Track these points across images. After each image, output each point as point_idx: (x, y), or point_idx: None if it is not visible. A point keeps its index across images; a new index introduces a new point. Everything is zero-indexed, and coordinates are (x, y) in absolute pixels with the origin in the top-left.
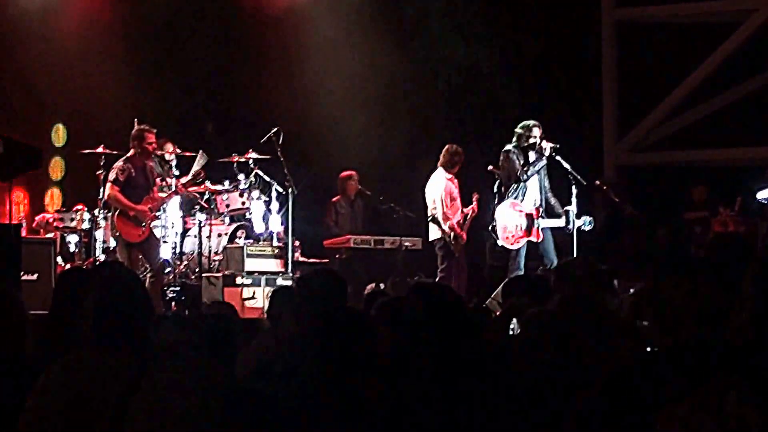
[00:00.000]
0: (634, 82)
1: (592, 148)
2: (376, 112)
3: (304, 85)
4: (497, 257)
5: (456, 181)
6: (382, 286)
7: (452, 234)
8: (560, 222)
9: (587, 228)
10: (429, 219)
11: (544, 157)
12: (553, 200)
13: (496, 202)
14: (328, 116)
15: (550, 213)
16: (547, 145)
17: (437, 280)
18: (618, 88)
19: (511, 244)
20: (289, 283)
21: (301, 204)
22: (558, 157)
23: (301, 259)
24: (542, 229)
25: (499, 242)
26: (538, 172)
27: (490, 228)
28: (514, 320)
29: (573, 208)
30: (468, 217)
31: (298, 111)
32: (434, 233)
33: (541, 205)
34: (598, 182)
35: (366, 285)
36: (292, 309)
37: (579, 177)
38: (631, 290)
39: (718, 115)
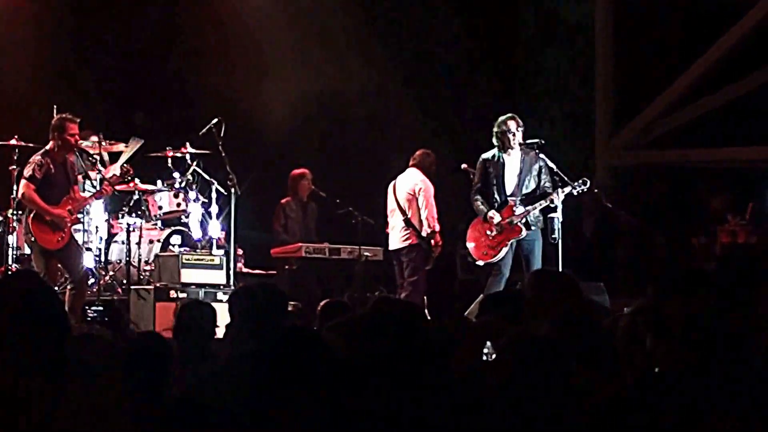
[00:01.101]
0: (631, 72)
1: (582, 145)
2: (334, 105)
3: (251, 72)
4: (469, 269)
5: None
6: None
7: (435, 241)
8: (544, 202)
9: (581, 189)
10: (404, 220)
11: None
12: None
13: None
14: (278, 107)
15: (535, 197)
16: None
17: (405, 294)
18: (613, 79)
19: (491, 257)
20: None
21: (246, 207)
22: (542, 155)
23: (245, 270)
24: (532, 235)
25: (480, 262)
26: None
27: (465, 250)
28: (489, 344)
29: (558, 215)
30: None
31: (243, 100)
32: (401, 240)
33: (516, 204)
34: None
35: (320, 300)
36: (236, 328)
37: (566, 179)
38: (626, 309)
39: (725, 110)
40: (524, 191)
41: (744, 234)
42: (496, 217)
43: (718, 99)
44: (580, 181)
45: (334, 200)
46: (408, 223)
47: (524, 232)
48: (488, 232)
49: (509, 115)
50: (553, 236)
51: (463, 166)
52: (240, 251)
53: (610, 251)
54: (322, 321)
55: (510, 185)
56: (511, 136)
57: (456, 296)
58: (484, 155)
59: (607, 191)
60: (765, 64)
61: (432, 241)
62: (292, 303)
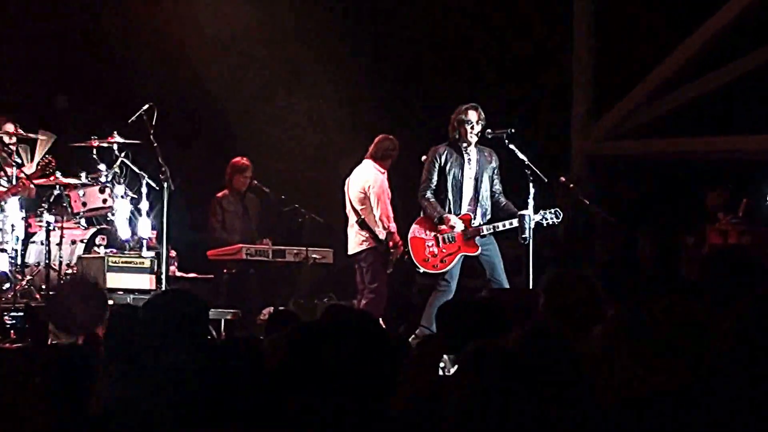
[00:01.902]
0: (612, 54)
1: (557, 134)
2: (280, 90)
3: (187, 52)
4: (428, 275)
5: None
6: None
7: (393, 243)
8: (513, 222)
9: (552, 222)
10: (357, 222)
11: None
12: (503, 202)
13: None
14: (217, 92)
15: (501, 218)
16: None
17: (365, 302)
18: (591, 61)
19: (438, 269)
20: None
21: (180, 203)
22: (512, 146)
23: (179, 273)
24: (487, 240)
25: (421, 270)
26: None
27: (406, 255)
28: (446, 357)
29: (530, 212)
30: None
31: (177, 84)
32: (357, 244)
33: (483, 213)
34: (562, 178)
35: (261, 308)
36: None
37: (538, 171)
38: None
39: (715, 97)
40: (481, 200)
41: (736, 234)
42: (458, 225)
43: (707, 84)
44: (553, 212)
45: (279, 196)
46: (362, 224)
47: (479, 251)
48: (440, 240)
49: (471, 104)
50: (523, 236)
51: (424, 158)
52: (173, 253)
53: (586, 253)
54: (269, 332)
55: (467, 190)
56: (469, 127)
57: (413, 304)
58: (439, 148)
59: (584, 185)
60: (755, 47)
61: (390, 243)
62: (231, 311)
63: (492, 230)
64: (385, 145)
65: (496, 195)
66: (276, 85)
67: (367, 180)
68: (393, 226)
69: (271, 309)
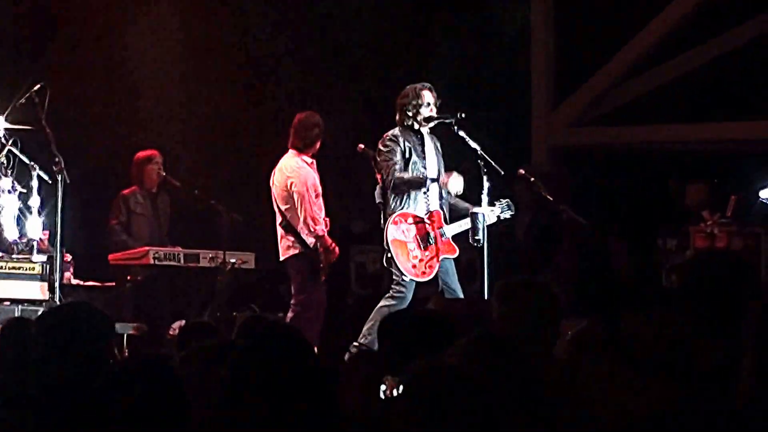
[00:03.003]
0: (577, 31)
1: (516, 121)
2: (193, 72)
3: (86, 26)
4: (365, 282)
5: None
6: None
7: (323, 248)
8: (466, 224)
9: (506, 215)
10: (281, 224)
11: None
12: (453, 200)
13: (382, 215)
14: (122, 72)
15: (454, 218)
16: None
17: (290, 316)
18: (554, 39)
19: (428, 275)
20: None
21: (77, 199)
22: (461, 133)
23: (75, 281)
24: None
25: (409, 277)
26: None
27: (385, 260)
28: (388, 378)
29: (484, 210)
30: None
31: (76, 61)
32: (284, 250)
33: (441, 208)
34: (522, 171)
35: (172, 322)
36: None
37: (493, 163)
38: (570, 333)
39: (694, 78)
40: (444, 195)
41: (725, 236)
42: (457, 183)
43: (681, 67)
44: (504, 203)
45: (192, 191)
46: (287, 227)
47: (457, 252)
48: (420, 242)
49: (423, 83)
50: (476, 237)
51: (361, 146)
52: (68, 257)
53: (550, 257)
54: (181, 349)
55: (432, 184)
56: (428, 110)
57: (348, 317)
58: (395, 132)
59: (547, 180)
60: (733, 26)
61: (320, 248)
62: (135, 325)
63: (460, 229)
64: (307, 133)
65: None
66: (189, 71)
67: (289, 176)
68: (320, 229)
69: (183, 322)
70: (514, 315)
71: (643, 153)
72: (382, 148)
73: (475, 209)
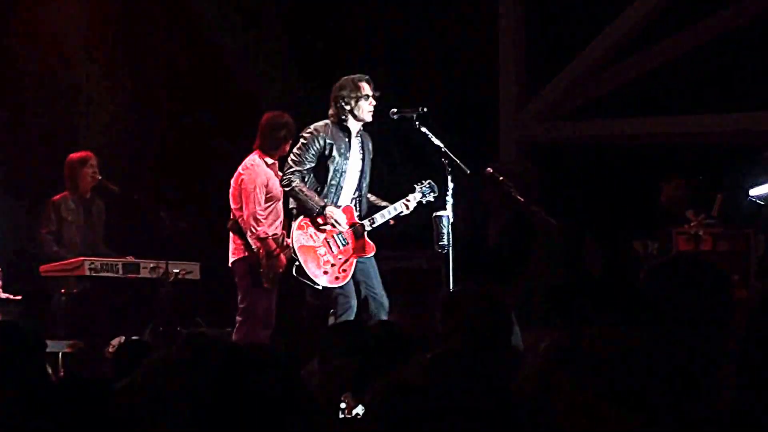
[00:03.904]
0: (547, 20)
1: (482, 115)
2: (130, 69)
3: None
4: (321, 293)
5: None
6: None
7: (265, 251)
8: (397, 207)
9: (429, 198)
10: (228, 226)
11: None
12: (372, 198)
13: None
14: (55, 65)
15: (370, 213)
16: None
17: (236, 326)
18: (523, 27)
19: (342, 279)
20: None
21: (4, 205)
22: (423, 129)
23: (4, 295)
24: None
25: (321, 285)
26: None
27: (294, 269)
28: (348, 396)
29: (447, 213)
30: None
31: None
32: (232, 253)
33: (356, 207)
34: (489, 170)
35: (110, 338)
36: None
37: (458, 161)
38: (542, 345)
39: (671, 69)
40: (363, 197)
41: (710, 239)
42: (341, 221)
43: (662, 54)
44: (427, 184)
45: (131, 195)
46: (235, 228)
47: (374, 250)
48: (331, 244)
49: (360, 75)
50: (441, 242)
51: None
52: None
53: (522, 264)
54: (116, 368)
55: (350, 186)
56: (367, 104)
57: (302, 330)
58: (321, 127)
59: (517, 180)
60: (717, 11)
61: (261, 252)
62: (70, 342)
63: (374, 223)
64: (273, 134)
65: (363, 190)
66: (127, 67)
67: (241, 173)
68: (263, 231)
69: (122, 339)
70: (458, 328)
71: (619, 148)
72: (300, 141)
73: (439, 213)
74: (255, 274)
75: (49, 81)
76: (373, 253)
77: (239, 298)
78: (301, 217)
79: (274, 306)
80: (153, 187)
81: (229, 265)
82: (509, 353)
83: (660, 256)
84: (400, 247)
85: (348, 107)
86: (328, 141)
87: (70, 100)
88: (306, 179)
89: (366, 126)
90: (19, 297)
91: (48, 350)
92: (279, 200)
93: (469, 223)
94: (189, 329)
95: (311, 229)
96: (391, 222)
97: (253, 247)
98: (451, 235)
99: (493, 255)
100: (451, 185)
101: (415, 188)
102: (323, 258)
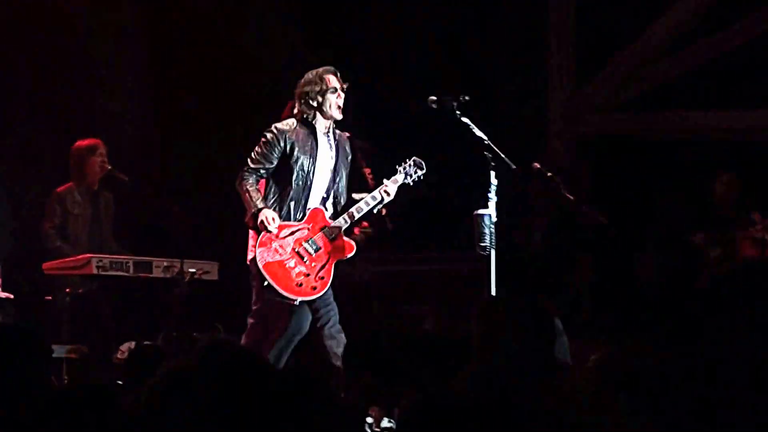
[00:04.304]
0: (598, 4)
1: (531, 105)
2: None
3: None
4: (351, 295)
5: None
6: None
7: None
8: (376, 196)
9: (416, 177)
10: (245, 220)
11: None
12: (357, 196)
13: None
14: (59, 47)
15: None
16: None
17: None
18: (574, 13)
19: (321, 288)
20: None
21: (4, 197)
22: (465, 119)
23: (3, 294)
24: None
25: (298, 300)
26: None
27: (267, 289)
28: (375, 409)
29: (490, 212)
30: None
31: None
32: (249, 249)
33: (327, 208)
34: (537, 165)
35: (119, 343)
36: None
37: (502, 155)
38: (593, 358)
39: (730, 60)
40: (339, 191)
41: None
42: (274, 222)
43: (719, 46)
44: (411, 162)
45: (144, 188)
46: (251, 224)
47: (354, 249)
48: (302, 254)
49: (327, 67)
50: (482, 244)
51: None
52: None
53: (570, 268)
54: (127, 376)
55: (319, 188)
56: (335, 98)
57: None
58: (284, 126)
59: (567, 177)
60: None
61: None
62: (74, 347)
63: (353, 218)
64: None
65: (341, 191)
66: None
67: None
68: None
69: (132, 344)
70: (495, 339)
71: (678, 142)
72: (261, 141)
73: (481, 211)
74: None
75: (52, 60)
76: (352, 254)
77: (253, 299)
78: (263, 233)
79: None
80: (166, 178)
81: (247, 262)
82: (553, 366)
83: (724, 263)
84: (438, 248)
85: (314, 103)
86: (289, 140)
87: (78, 80)
88: (269, 181)
89: (402, 113)
90: (12, 296)
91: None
92: None
93: (513, 223)
94: (206, 335)
95: (276, 243)
96: (383, 211)
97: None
98: (493, 235)
99: (538, 258)
100: (494, 182)
101: (396, 170)
102: (294, 270)
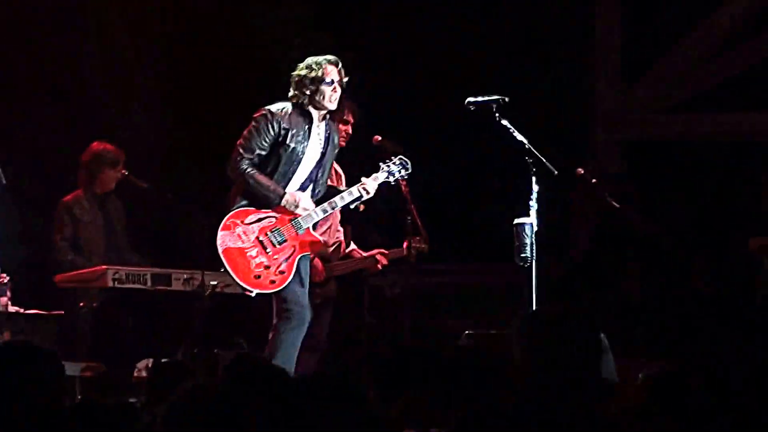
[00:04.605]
0: (646, 1)
1: (575, 107)
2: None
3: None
4: (381, 310)
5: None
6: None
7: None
8: (353, 192)
9: (399, 177)
10: None
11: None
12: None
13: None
14: (74, 50)
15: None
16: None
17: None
18: (620, 11)
19: (279, 283)
20: None
21: (14, 206)
22: (504, 122)
23: (13, 308)
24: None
25: (254, 292)
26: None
27: (222, 269)
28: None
29: (532, 219)
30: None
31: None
32: None
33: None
34: (581, 171)
35: (137, 360)
36: None
37: (544, 160)
38: (641, 375)
39: None
40: (318, 186)
41: None
42: (308, 205)
43: None
44: (396, 161)
45: (163, 194)
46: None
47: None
48: (265, 244)
49: (329, 56)
50: (523, 254)
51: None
52: (4, 277)
53: (617, 279)
54: (150, 395)
55: (302, 173)
56: (330, 90)
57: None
58: (277, 110)
59: (613, 183)
60: None
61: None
62: (87, 364)
63: (325, 212)
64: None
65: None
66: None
67: None
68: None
69: (150, 362)
70: (537, 356)
71: (730, 145)
72: (251, 124)
73: (521, 220)
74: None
75: (66, 64)
76: (319, 250)
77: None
78: (231, 212)
79: (323, 325)
80: (185, 183)
81: None
82: (598, 384)
83: None
84: (474, 259)
85: (307, 91)
86: (283, 126)
87: (91, 83)
88: (256, 165)
89: (439, 115)
90: (32, 311)
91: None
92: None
93: (555, 232)
94: (229, 352)
95: (240, 228)
96: (361, 207)
97: None
98: (534, 246)
99: (581, 269)
100: (535, 188)
101: (379, 167)
102: (255, 260)
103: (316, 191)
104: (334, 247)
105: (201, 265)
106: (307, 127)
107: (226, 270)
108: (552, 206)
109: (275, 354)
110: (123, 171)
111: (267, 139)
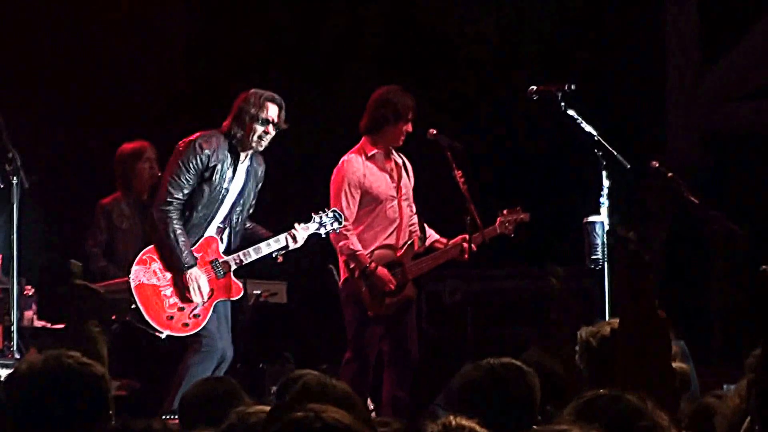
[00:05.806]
0: None
1: (647, 96)
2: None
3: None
4: (440, 319)
5: (395, 165)
6: None
7: (359, 271)
8: (280, 240)
9: (330, 229)
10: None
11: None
12: (250, 225)
13: None
14: (99, 44)
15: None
16: None
17: (342, 366)
18: None
19: (192, 327)
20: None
21: (40, 210)
22: (571, 111)
23: (39, 322)
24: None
25: (164, 334)
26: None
27: (131, 315)
28: None
29: (603, 218)
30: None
31: (35, 27)
32: (343, 271)
33: (232, 238)
34: (655, 164)
35: (171, 374)
36: None
37: (615, 152)
38: (726, 387)
39: None
40: (234, 222)
41: None
42: (203, 290)
43: None
44: (330, 213)
45: None
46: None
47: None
48: (164, 292)
49: (271, 94)
50: (594, 256)
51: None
52: (30, 289)
53: (696, 283)
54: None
55: (223, 209)
56: (261, 130)
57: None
58: (209, 139)
59: (692, 176)
60: None
61: (355, 272)
62: (120, 382)
63: (248, 258)
64: (375, 113)
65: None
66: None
67: (336, 178)
68: (344, 245)
69: None
70: (610, 367)
71: None
72: (180, 155)
73: (592, 218)
74: (357, 299)
75: (92, 58)
76: (239, 296)
77: (348, 332)
78: (146, 249)
79: (410, 338)
80: None
81: (339, 286)
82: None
83: None
84: (540, 261)
85: (241, 124)
86: (212, 160)
87: (119, 78)
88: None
89: (502, 105)
90: (60, 326)
91: None
92: (383, 201)
93: (629, 231)
94: (276, 367)
95: (156, 264)
96: (279, 258)
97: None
98: (606, 246)
99: (656, 270)
100: (606, 183)
101: (311, 217)
102: (169, 300)
103: (234, 231)
104: (404, 249)
105: (243, 272)
106: (233, 163)
107: (137, 307)
108: (625, 203)
109: (181, 384)
110: (157, 171)
111: (194, 177)
